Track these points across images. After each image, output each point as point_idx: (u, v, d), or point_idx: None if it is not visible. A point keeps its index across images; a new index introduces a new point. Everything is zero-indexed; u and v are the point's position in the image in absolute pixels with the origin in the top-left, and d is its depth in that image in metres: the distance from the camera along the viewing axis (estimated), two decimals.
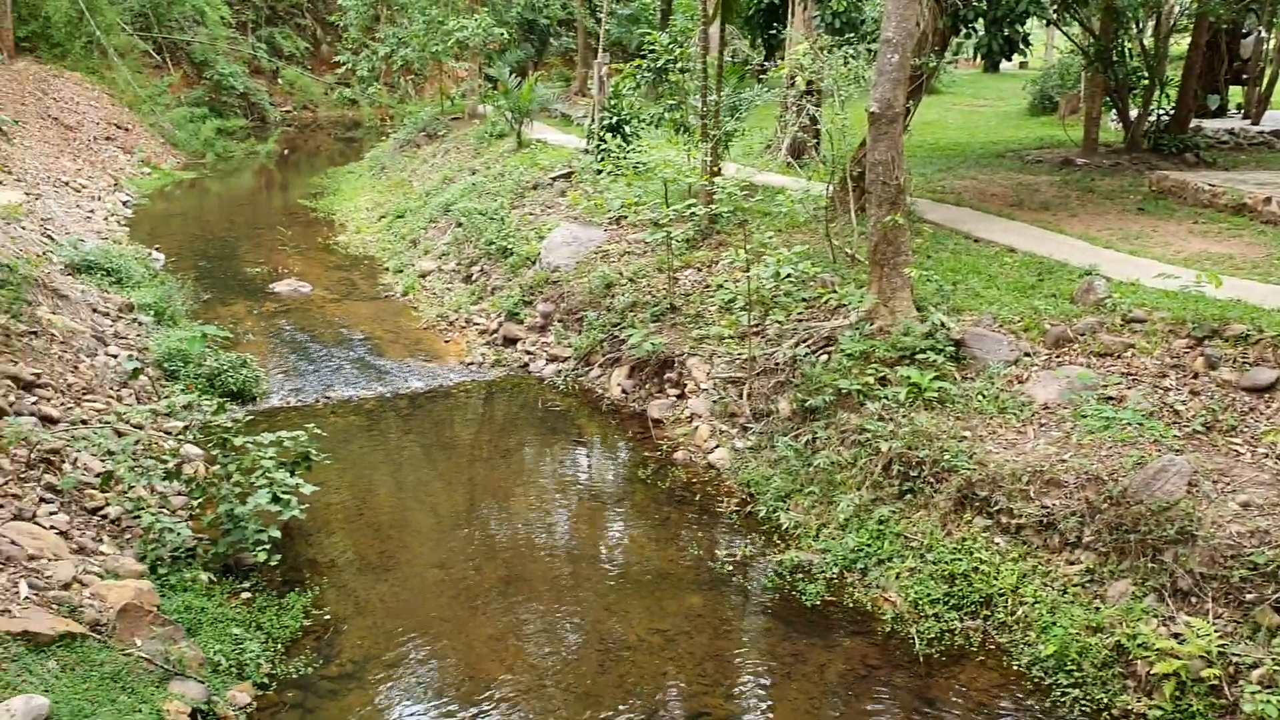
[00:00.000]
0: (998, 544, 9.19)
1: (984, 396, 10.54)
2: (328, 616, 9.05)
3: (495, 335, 16.66)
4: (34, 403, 11.23)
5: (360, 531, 10.72)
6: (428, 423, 13.90)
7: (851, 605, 9.34)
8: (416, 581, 9.80)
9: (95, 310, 15.95)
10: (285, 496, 9.82)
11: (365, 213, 24.92)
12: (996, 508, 9.34)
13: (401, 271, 20.20)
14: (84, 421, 11.41)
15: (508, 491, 11.94)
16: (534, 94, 23.56)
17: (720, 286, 14.47)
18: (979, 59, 23.81)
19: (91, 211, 24.30)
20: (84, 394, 12.23)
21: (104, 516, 9.80)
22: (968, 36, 17.54)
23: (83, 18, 33.95)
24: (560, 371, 15.22)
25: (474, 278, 18.62)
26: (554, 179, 20.33)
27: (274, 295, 19.10)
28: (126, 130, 32.58)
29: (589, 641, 8.89)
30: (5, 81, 30.24)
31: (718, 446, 12.39)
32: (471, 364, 15.82)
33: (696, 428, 12.91)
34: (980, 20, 16.47)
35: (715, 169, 16.52)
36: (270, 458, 10.07)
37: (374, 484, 12.09)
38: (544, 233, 18.03)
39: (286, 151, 35.30)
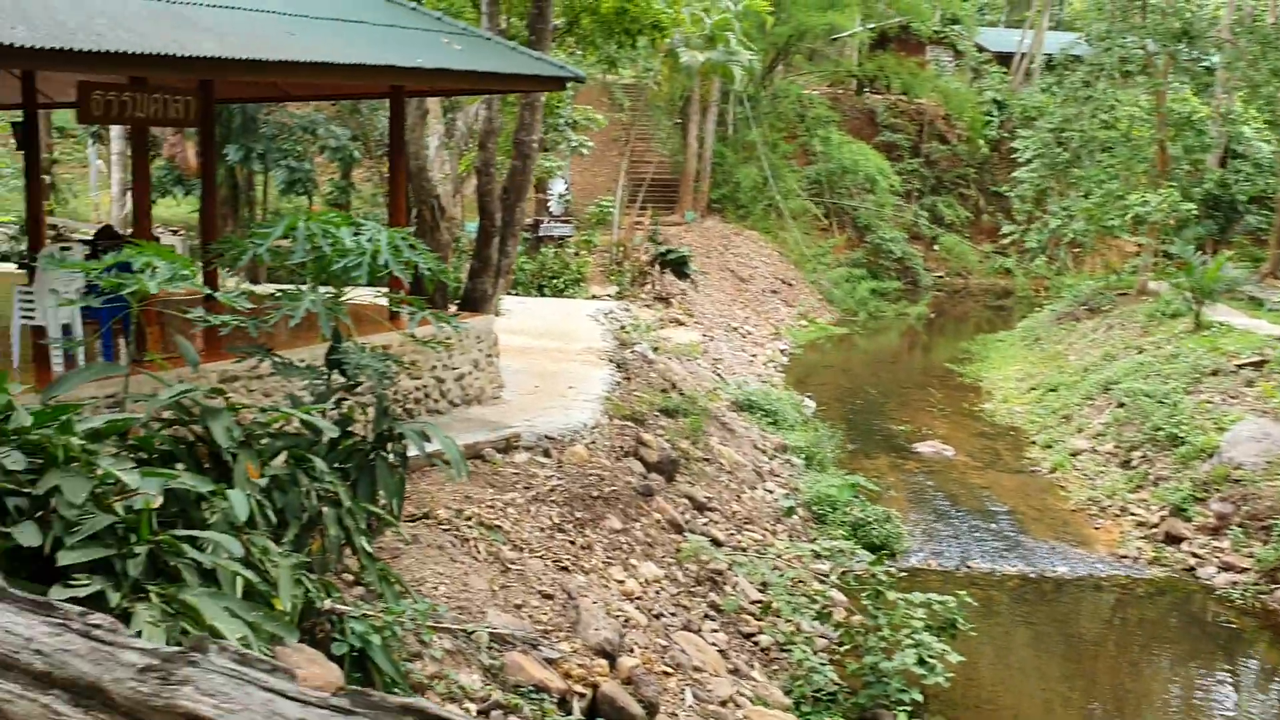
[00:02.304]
0: None
1: None
2: None
3: (1155, 530, 15.07)
4: (705, 524, 12.17)
5: (997, 717, 10.04)
6: (1073, 612, 12.87)
7: None
8: None
9: (755, 446, 17.13)
10: (931, 661, 9.51)
11: (1014, 383, 24.37)
12: None
13: (1050, 447, 19.27)
14: (743, 549, 12.10)
15: (1164, 713, 10.53)
16: (1220, 273, 21.60)
17: None
18: None
19: (753, 356, 26.51)
20: (745, 523, 13.03)
21: (755, 643, 10.20)
22: None
23: (766, 184, 37.84)
24: (1236, 583, 13.29)
25: (1133, 463, 17.15)
26: (1239, 366, 18.24)
27: (916, 455, 19.17)
28: (790, 285, 35.41)
29: None
30: (697, 236, 34.47)
31: None
32: (1125, 557, 14.43)
33: None
34: None
35: None
36: (919, 618, 9.86)
37: (1013, 667, 11.36)
38: (1225, 424, 16.14)
39: (933, 315, 36.03)
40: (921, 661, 9.48)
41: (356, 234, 7.99)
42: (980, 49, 46.61)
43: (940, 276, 40.39)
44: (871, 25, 43.19)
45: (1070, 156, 28.79)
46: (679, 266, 26.83)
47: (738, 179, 38.40)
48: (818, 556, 12.06)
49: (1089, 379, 21.26)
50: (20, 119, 12.82)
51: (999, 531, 15.33)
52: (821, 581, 11.98)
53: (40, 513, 4.84)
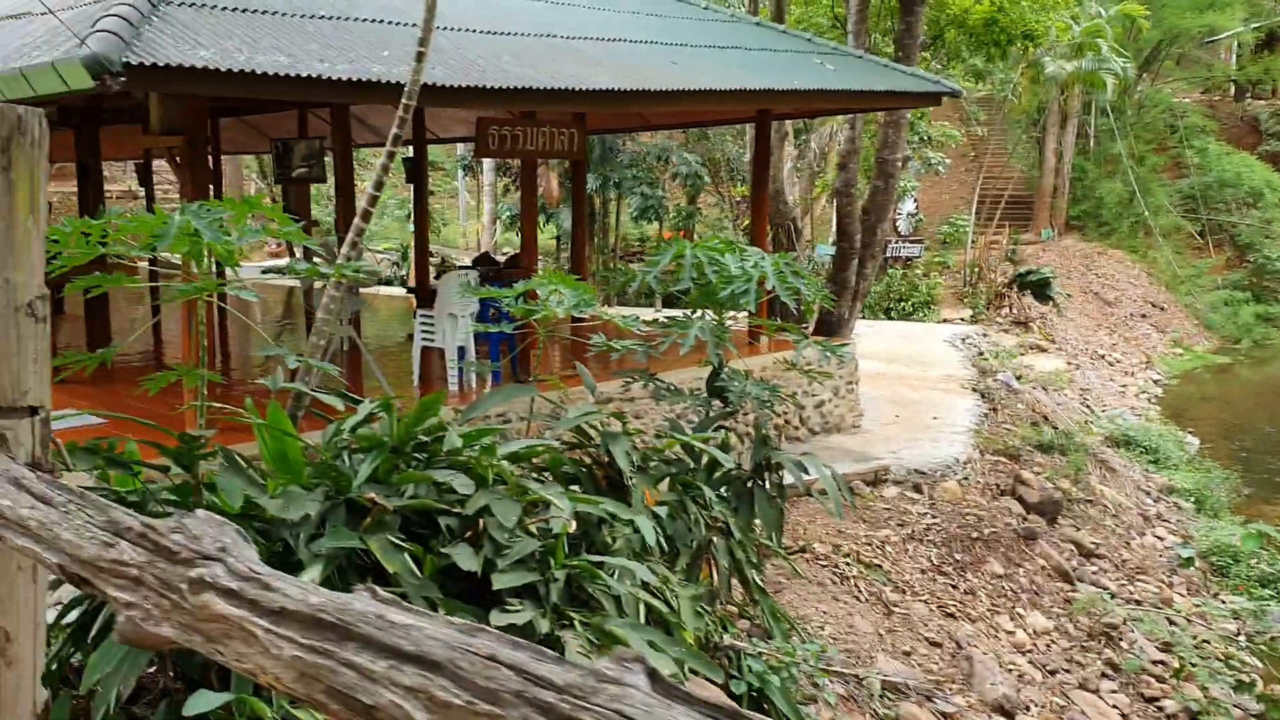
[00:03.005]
0: None
1: None
2: None
3: None
4: (1094, 572, 11.15)
5: None
6: None
7: None
8: None
9: (1138, 487, 15.65)
10: None
11: None
12: None
13: None
14: (1138, 602, 10.96)
15: None
16: None
17: None
18: None
19: (1123, 387, 24.46)
20: (1137, 573, 11.83)
21: (1160, 709, 9.15)
22: None
23: (1133, 199, 35.01)
24: None
25: None
26: None
27: None
28: (1162, 309, 32.52)
29: None
30: (1055, 256, 32.38)
31: None
32: None
33: None
34: None
35: None
36: None
37: None
38: None
39: None
40: None
41: (742, 261, 7.86)
42: None
43: None
44: (1256, 24, 39.03)
45: None
46: (1040, 289, 25.22)
47: (1100, 194, 35.87)
48: (1235, 616, 10.70)
49: None
50: (410, 155, 13.74)
51: None
52: (1232, 643, 10.63)
53: (468, 533, 4.95)
